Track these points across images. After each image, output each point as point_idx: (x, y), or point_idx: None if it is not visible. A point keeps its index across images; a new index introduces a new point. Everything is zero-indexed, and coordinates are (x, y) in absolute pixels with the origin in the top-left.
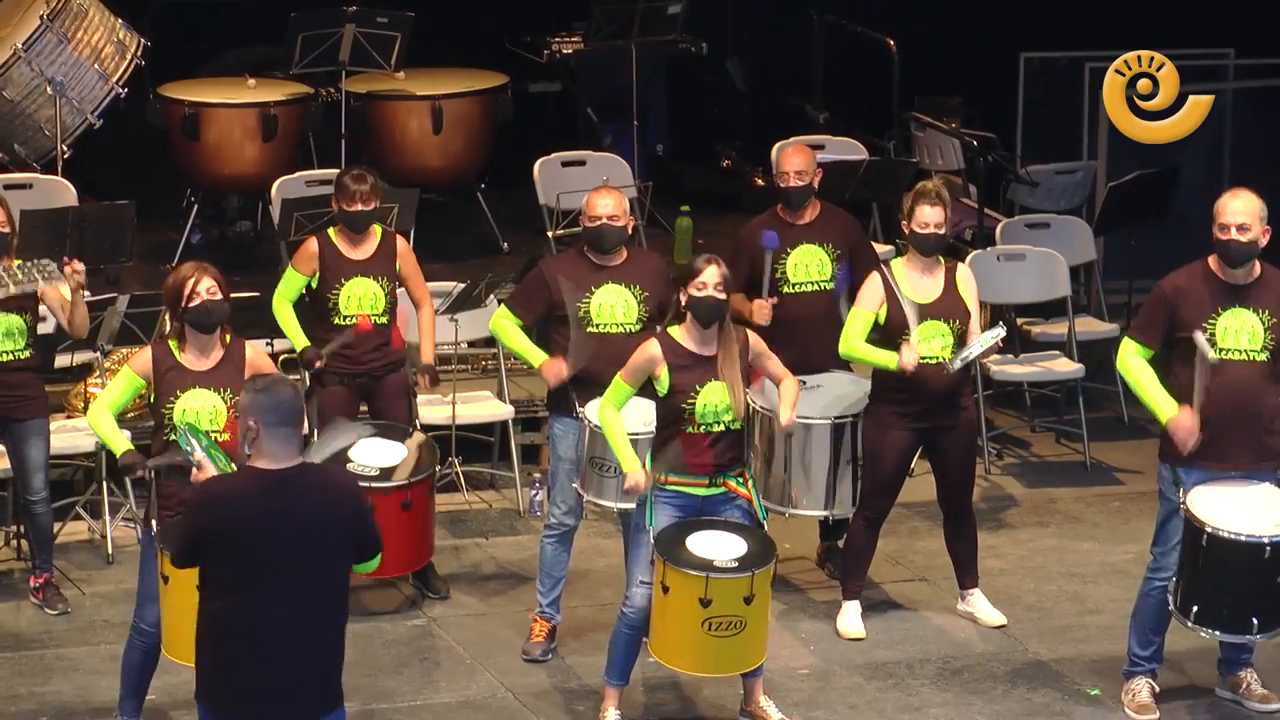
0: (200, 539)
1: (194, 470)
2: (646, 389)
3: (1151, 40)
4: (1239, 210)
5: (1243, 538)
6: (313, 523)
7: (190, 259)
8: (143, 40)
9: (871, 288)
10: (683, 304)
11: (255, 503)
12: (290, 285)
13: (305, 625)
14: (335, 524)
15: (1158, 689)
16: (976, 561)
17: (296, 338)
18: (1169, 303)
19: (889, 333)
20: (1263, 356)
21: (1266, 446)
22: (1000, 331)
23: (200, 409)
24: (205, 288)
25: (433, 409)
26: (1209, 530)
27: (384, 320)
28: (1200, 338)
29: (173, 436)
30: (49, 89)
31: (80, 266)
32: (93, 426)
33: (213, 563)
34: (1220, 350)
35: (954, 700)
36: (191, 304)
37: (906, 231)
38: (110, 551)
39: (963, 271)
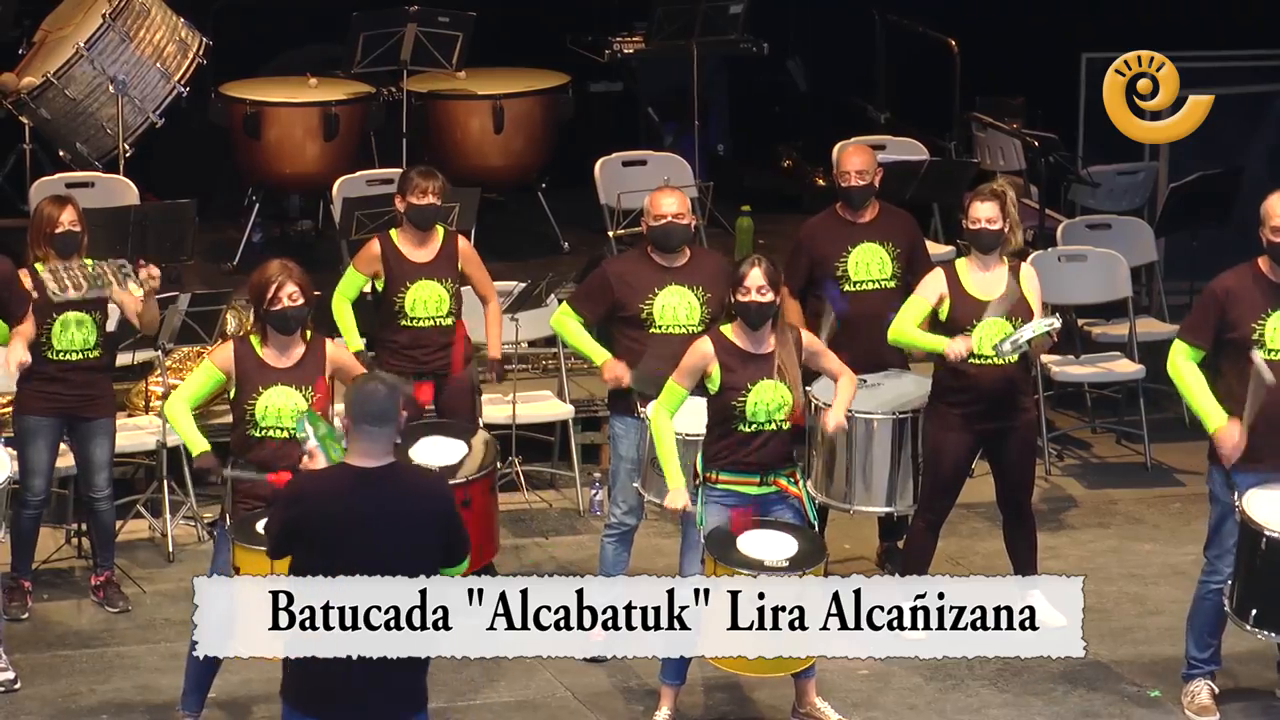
0: (289, 532)
1: (304, 459)
2: (701, 389)
3: (1212, 41)
4: None
5: None
6: (400, 522)
7: (251, 258)
8: (205, 39)
9: (933, 281)
10: (732, 306)
11: (342, 499)
12: (350, 284)
13: None
14: (423, 525)
15: (1217, 690)
16: (1037, 562)
17: (351, 337)
18: (1219, 303)
19: (950, 330)
20: None
21: None
22: (1055, 321)
23: (282, 406)
24: (288, 293)
25: (493, 408)
26: (1268, 533)
27: (449, 321)
28: (1258, 357)
29: (255, 433)
30: (111, 88)
31: (156, 272)
32: (170, 421)
33: (299, 558)
34: (1272, 350)
35: (1013, 701)
36: (273, 308)
37: (965, 230)
38: (171, 550)
39: (1026, 271)
